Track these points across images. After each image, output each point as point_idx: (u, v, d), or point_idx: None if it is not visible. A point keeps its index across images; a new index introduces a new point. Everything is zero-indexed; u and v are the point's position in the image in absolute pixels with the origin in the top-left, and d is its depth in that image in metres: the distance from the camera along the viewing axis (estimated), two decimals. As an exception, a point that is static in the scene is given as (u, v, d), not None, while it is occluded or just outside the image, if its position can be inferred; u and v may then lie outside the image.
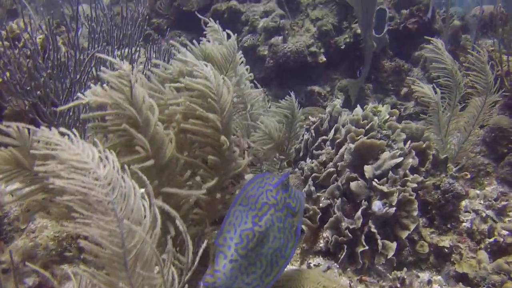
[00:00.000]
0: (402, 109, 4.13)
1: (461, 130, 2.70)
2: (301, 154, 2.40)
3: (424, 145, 2.21)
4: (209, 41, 1.86)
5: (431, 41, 2.56)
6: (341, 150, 2.11)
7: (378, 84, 4.38)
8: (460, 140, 2.70)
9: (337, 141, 2.18)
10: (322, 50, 4.33)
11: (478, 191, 2.48)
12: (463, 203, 2.17)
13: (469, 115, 2.69)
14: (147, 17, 3.29)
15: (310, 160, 2.28)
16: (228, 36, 1.93)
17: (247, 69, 2.24)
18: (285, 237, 1.23)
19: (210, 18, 2.11)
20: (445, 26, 4.49)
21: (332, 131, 2.26)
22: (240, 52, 2.03)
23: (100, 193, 0.95)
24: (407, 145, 2.16)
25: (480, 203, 2.30)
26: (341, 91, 4.12)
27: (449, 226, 2.05)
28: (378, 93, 4.33)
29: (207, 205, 1.55)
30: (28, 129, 1.28)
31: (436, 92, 2.52)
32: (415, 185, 2.02)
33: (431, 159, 2.21)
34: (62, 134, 1.07)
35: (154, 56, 2.80)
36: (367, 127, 2.17)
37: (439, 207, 2.07)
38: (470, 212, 2.13)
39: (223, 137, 1.46)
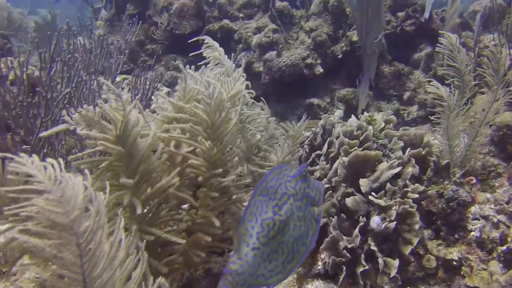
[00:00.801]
0: (405, 114, 4.00)
1: (468, 130, 2.56)
2: (296, 171, 2.31)
3: (424, 152, 2.10)
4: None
5: (445, 35, 2.44)
6: (335, 165, 2.02)
7: (379, 91, 4.27)
8: (466, 142, 2.56)
9: (331, 155, 2.08)
10: (318, 61, 4.25)
11: (488, 195, 2.32)
12: (472, 209, 2.04)
13: (476, 115, 2.55)
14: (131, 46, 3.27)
15: (305, 177, 2.19)
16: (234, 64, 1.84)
17: (247, 86, 2.16)
18: (305, 225, 1.27)
19: (205, 36, 2.05)
20: (444, 24, 4.37)
21: (326, 145, 2.17)
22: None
23: (73, 262, 0.85)
24: (406, 153, 2.05)
25: (491, 208, 2.15)
26: (341, 102, 4.01)
27: (456, 236, 1.92)
28: (379, 100, 4.21)
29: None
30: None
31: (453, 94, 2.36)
32: (417, 195, 1.90)
33: (433, 166, 2.09)
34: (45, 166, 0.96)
35: (143, 82, 2.77)
36: (361, 138, 2.07)
37: (445, 217, 1.95)
38: (479, 219, 1.99)
39: (219, 170, 1.40)
